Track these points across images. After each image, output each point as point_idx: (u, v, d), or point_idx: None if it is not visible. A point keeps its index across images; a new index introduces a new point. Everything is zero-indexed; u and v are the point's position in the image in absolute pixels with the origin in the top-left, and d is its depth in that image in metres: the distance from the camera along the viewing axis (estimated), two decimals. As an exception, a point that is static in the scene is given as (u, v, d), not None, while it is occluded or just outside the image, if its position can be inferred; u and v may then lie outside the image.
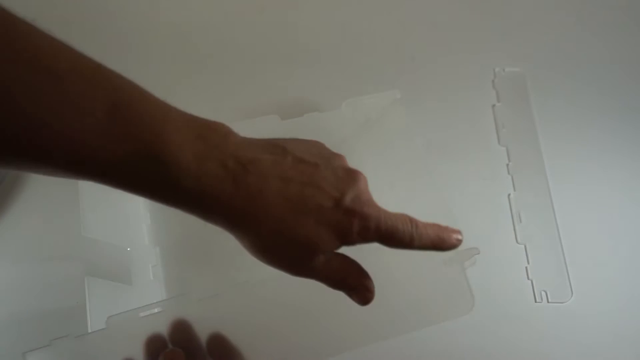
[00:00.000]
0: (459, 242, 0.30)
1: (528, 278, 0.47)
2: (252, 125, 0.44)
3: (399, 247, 0.29)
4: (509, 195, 0.50)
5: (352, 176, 0.29)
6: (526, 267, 0.48)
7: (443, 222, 0.40)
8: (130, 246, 0.44)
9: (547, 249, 0.48)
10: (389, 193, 0.46)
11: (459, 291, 0.33)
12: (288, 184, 0.26)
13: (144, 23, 0.56)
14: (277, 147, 0.28)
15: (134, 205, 0.47)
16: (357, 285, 0.29)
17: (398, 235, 0.28)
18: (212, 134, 0.25)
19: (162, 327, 0.30)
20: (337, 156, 0.31)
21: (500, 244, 0.48)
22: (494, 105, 0.54)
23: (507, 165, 0.51)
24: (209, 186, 0.24)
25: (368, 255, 0.30)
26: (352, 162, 0.48)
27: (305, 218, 0.26)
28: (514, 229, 0.49)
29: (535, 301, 0.47)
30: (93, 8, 0.57)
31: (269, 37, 0.56)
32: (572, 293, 0.47)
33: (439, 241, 0.30)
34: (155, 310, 0.30)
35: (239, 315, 0.31)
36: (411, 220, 0.29)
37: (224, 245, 0.47)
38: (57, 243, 0.46)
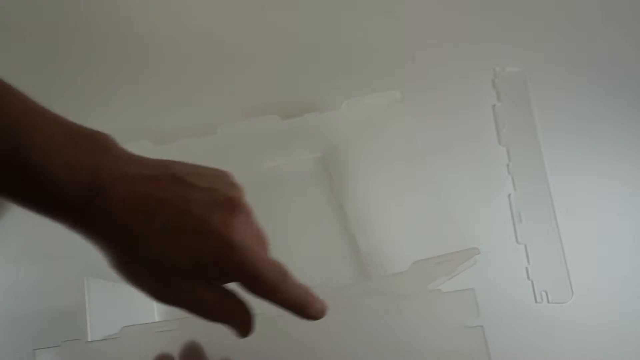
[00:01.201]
0: (322, 314, 0.28)
1: (528, 278, 0.47)
2: (252, 125, 0.44)
3: (260, 294, 0.26)
4: (509, 195, 0.50)
5: (232, 204, 0.27)
6: (526, 267, 0.47)
7: (443, 222, 0.40)
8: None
9: (547, 249, 0.48)
10: (389, 193, 0.46)
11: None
12: (156, 202, 0.25)
13: (144, 24, 0.56)
14: (160, 166, 0.26)
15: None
16: (233, 321, 0.27)
17: (261, 279, 0.26)
18: (89, 143, 0.24)
19: (174, 346, 0.30)
20: (230, 186, 0.29)
21: (500, 244, 0.48)
22: (494, 105, 0.54)
23: (507, 165, 0.51)
24: (75, 196, 0.23)
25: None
26: (353, 162, 0.48)
27: (166, 239, 0.24)
28: (514, 229, 0.49)
29: (536, 301, 0.46)
30: (90, 10, 0.57)
31: (269, 36, 0.56)
32: (572, 293, 0.47)
33: (303, 305, 0.27)
34: (170, 328, 0.30)
35: (253, 345, 0.30)
36: (283, 273, 0.27)
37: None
38: (57, 243, 0.46)
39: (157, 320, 0.43)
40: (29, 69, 0.54)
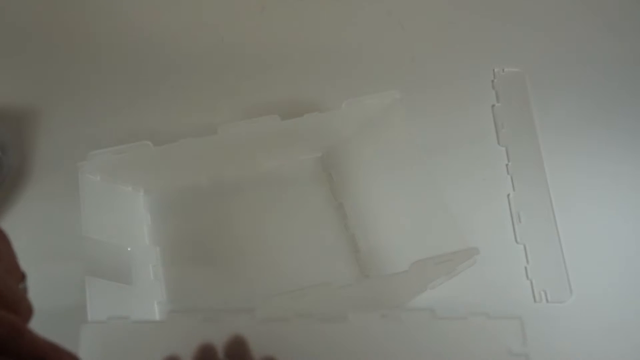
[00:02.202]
0: None
1: (527, 278, 0.47)
2: (252, 125, 0.44)
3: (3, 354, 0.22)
4: (508, 195, 0.50)
5: None
6: (525, 267, 0.48)
7: (442, 222, 0.40)
8: (130, 246, 0.44)
9: (546, 249, 0.48)
10: (389, 193, 0.46)
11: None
12: None
13: (145, 24, 0.56)
14: None
15: (135, 205, 0.47)
16: None
17: None
18: None
19: (219, 338, 0.30)
20: None
21: (499, 243, 0.48)
22: (493, 106, 0.54)
23: (507, 165, 0.51)
24: None
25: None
26: (353, 162, 0.48)
27: None
28: (514, 229, 0.49)
29: (535, 301, 0.47)
30: (91, 10, 0.57)
31: (269, 37, 0.56)
32: (571, 293, 0.47)
33: None
34: (217, 318, 0.30)
35: (298, 345, 0.30)
36: (16, 329, 0.22)
37: (224, 245, 0.47)
38: (57, 243, 0.46)
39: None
40: (29, 70, 0.54)
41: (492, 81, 0.55)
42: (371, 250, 0.46)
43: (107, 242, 0.42)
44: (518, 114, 0.53)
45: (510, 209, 0.50)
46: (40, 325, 0.44)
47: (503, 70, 0.55)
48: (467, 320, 0.30)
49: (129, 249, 0.43)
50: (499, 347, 0.30)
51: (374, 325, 0.29)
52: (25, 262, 0.46)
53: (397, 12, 0.58)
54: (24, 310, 0.25)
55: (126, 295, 0.42)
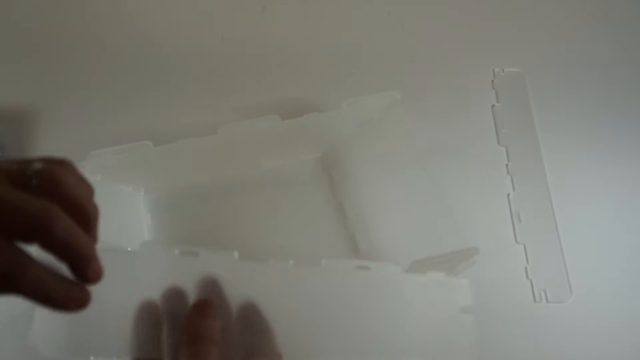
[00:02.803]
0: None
1: (527, 278, 0.47)
2: (252, 125, 0.44)
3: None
4: (508, 195, 0.50)
5: None
6: (525, 267, 0.48)
7: (442, 222, 0.40)
8: (130, 246, 0.44)
9: (546, 249, 0.48)
10: (389, 193, 0.46)
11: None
12: None
13: (145, 24, 0.56)
14: None
15: (135, 205, 0.47)
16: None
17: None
18: None
19: (192, 276, 0.29)
20: None
21: (499, 243, 0.48)
22: (493, 106, 0.54)
23: (507, 165, 0.51)
24: None
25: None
26: (353, 162, 0.48)
27: None
28: (514, 229, 0.49)
29: (535, 301, 0.47)
30: (91, 10, 0.57)
31: (269, 37, 0.56)
32: (571, 293, 0.47)
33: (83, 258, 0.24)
34: (195, 252, 0.29)
35: (277, 292, 0.31)
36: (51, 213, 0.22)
37: (224, 244, 0.47)
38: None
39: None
40: (29, 70, 0.54)
41: (492, 81, 0.55)
42: (371, 250, 0.46)
43: (107, 242, 0.42)
44: (518, 114, 0.53)
45: (510, 209, 0.50)
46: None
47: (503, 70, 0.55)
48: (426, 276, 0.32)
49: (129, 249, 0.43)
50: (451, 303, 0.32)
51: (345, 273, 0.30)
52: (25, 262, 0.46)
53: (397, 12, 0.58)
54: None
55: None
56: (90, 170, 0.42)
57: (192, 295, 0.30)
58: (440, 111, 0.53)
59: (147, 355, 0.29)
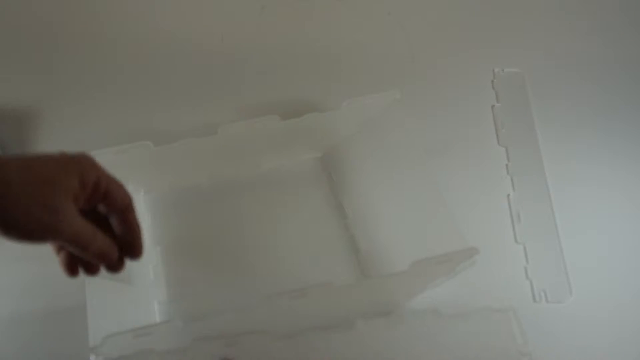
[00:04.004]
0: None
1: (527, 278, 0.47)
2: (252, 125, 0.44)
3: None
4: (508, 195, 0.50)
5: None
6: (525, 267, 0.48)
7: (442, 222, 0.40)
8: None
9: (546, 249, 0.48)
10: (389, 193, 0.46)
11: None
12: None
13: (145, 24, 0.56)
14: None
15: (135, 205, 0.47)
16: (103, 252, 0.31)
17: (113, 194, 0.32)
18: None
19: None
20: None
21: (499, 243, 0.48)
22: (493, 106, 0.54)
23: (507, 165, 0.51)
24: None
25: None
26: (353, 162, 0.48)
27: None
28: (513, 229, 0.49)
29: (534, 301, 0.47)
30: (92, 10, 0.57)
31: (269, 37, 0.56)
32: (571, 293, 0.47)
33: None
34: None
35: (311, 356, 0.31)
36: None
37: (224, 244, 0.47)
38: (57, 243, 0.46)
39: (157, 319, 0.43)
40: (29, 70, 0.54)
41: (492, 81, 0.55)
42: (371, 250, 0.46)
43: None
44: (518, 114, 0.54)
45: (510, 209, 0.50)
46: (40, 325, 0.44)
47: (503, 70, 0.55)
48: (469, 316, 0.30)
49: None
50: (501, 342, 0.31)
51: (380, 329, 0.29)
52: (25, 262, 0.46)
53: (397, 12, 0.58)
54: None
55: (126, 294, 0.42)
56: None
57: None
58: (440, 111, 0.53)
59: None
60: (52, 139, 0.51)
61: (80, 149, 0.43)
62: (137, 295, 0.43)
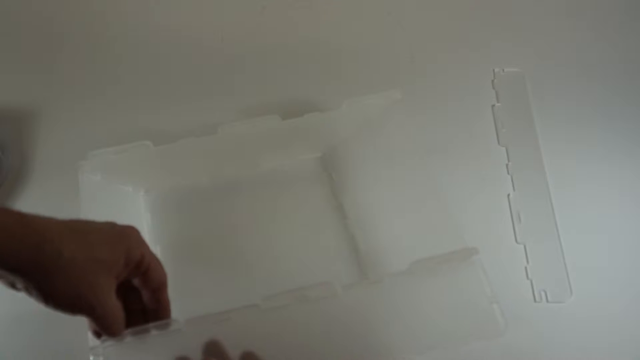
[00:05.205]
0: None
1: (527, 278, 0.47)
2: (252, 125, 0.44)
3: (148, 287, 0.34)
4: (508, 195, 0.50)
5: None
6: (525, 267, 0.48)
7: (442, 222, 0.40)
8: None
9: (546, 249, 0.48)
10: (389, 193, 0.46)
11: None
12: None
13: (145, 24, 0.56)
14: None
15: (135, 205, 0.47)
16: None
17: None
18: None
19: (194, 346, 0.32)
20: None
21: (499, 243, 0.48)
22: (493, 106, 0.54)
23: (507, 165, 0.51)
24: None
25: None
26: (353, 162, 0.48)
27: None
28: (514, 229, 0.49)
29: (535, 301, 0.47)
30: (91, 10, 0.57)
31: (269, 36, 0.56)
32: (571, 293, 0.47)
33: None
34: (185, 329, 0.32)
35: (271, 335, 0.32)
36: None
37: (224, 244, 0.47)
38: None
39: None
40: (29, 70, 0.54)
41: (492, 81, 0.55)
42: (371, 250, 0.46)
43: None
44: (518, 114, 0.54)
45: (510, 209, 0.50)
46: (40, 325, 0.44)
47: (503, 70, 0.55)
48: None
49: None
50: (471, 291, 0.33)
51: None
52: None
53: (397, 12, 0.58)
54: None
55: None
56: (90, 170, 0.42)
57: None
58: (440, 111, 0.53)
59: None
60: (52, 139, 0.51)
61: (80, 149, 0.43)
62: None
